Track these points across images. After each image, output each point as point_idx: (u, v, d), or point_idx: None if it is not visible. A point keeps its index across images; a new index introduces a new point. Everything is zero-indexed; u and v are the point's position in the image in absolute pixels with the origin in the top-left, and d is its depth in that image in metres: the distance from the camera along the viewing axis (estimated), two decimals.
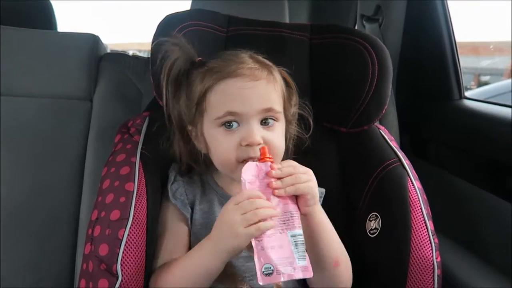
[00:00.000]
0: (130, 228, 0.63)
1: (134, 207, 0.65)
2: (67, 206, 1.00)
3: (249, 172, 0.60)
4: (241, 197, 0.58)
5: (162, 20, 0.81)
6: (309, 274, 0.56)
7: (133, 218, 0.64)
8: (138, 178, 0.68)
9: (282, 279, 0.55)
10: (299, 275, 0.55)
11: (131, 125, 0.79)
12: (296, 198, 0.61)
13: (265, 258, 0.55)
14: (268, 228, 0.56)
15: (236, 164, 0.65)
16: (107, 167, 0.71)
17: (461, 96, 1.06)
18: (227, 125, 0.65)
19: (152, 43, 0.79)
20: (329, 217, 0.76)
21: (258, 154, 0.63)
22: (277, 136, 0.67)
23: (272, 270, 0.55)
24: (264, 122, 0.66)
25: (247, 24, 0.87)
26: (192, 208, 0.71)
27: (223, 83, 0.66)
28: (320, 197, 0.76)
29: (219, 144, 0.66)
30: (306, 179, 0.60)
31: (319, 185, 0.79)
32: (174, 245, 0.69)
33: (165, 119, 0.77)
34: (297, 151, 0.77)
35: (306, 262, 0.57)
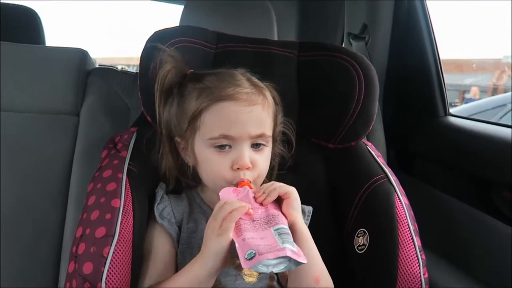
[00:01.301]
0: (116, 245, 0.62)
1: (120, 224, 0.64)
2: (51, 223, 0.98)
3: (227, 196, 0.62)
4: (215, 209, 0.60)
5: (151, 36, 0.81)
6: (297, 256, 0.54)
7: (119, 235, 0.63)
8: (124, 194, 0.67)
9: (266, 258, 0.52)
10: (283, 253, 0.53)
11: (118, 141, 0.79)
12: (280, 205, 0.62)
13: (247, 246, 0.54)
14: (239, 210, 0.58)
15: (226, 184, 0.67)
16: (93, 183, 0.70)
17: (446, 113, 1.08)
18: (220, 146, 0.67)
19: (141, 59, 0.79)
20: (317, 233, 0.76)
21: (248, 177, 0.66)
22: (264, 158, 0.70)
23: (254, 253, 0.53)
24: (254, 145, 0.68)
25: (236, 41, 0.88)
26: (180, 227, 0.70)
27: (219, 105, 0.66)
28: (308, 215, 0.77)
29: (211, 164, 0.68)
30: (288, 187, 0.63)
31: (307, 201, 0.80)
32: (161, 267, 0.67)
33: (153, 135, 0.77)
34: (281, 168, 0.79)
35: (295, 248, 0.55)
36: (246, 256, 0.53)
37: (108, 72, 1.11)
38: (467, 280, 0.85)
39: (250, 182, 0.66)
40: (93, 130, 1.01)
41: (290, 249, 0.54)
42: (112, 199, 0.66)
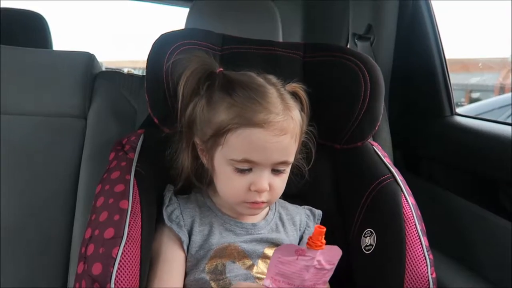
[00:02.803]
0: (124, 246, 0.62)
1: (129, 225, 0.64)
2: (60, 224, 0.98)
3: (286, 254, 0.53)
4: None
5: (157, 39, 0.81)
6: None
7: (127, 237, 0.63)
8: (132, 195, 0.68)
9: None
10: None
11: (126, 143, 0.79)
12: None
13: None
14: None
15: (241, 203, 0.67)
16: (101, 184, 0.71)
17: (452, 113, 1.08)
18: (241, 170, 0.66)
19: (147, 62, 0.80)
20: (325, 236, 0.76)
21: (264, 199, 0.66)
22: (282, 181, 0.69)
23: None
24: (274, 170, 0.67)
25: (241, 42, 0.88)
26: (190, 230, 0.70)
27: (248, 130, 0.64)
28: (318, 219, 0.77)
29: (229, 182, 0.67)
30: None
31: (314, 202, 0.81)
32: (169, 272, 0.67)
33: (160, 137, 0.78)
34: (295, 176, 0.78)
35: None
36: None
37: (114, 75, 1.12)
38: (475, 279, 0.85)
39: (265, 202, 0.66)
40: (101, 132, 1.02)
41: None
42: (121, 201, 0.67)
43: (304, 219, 0.76)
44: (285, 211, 0.78)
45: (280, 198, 0.76)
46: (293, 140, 0.68)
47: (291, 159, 0.69)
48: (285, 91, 0.70)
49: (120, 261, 0.61)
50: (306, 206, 0.79)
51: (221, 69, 0.72)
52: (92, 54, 1.10)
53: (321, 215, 0.77)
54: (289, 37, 1.49)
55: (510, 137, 0.86)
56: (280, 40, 1.14)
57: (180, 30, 0.89)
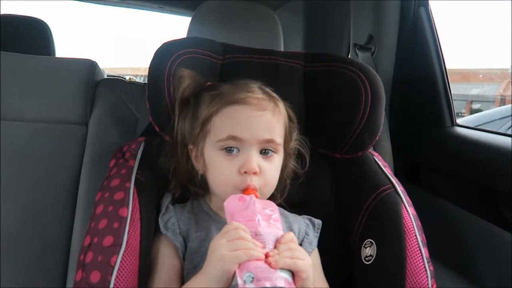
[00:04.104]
0: (123, 254, 0.62)
1: (128, 233, 0.64)
2: (59, 231, 0.98)
3: (233, 204, 0.62)
4: (228, 227, 0.59)
5: (159, 48, 0.82)
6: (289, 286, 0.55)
7: (126, 245, 0.63)
8: (132, 203, 0.68)
9: (262, 285, 0.53)
10: (280, 284, 0.54)
11: (127, 150, 0.79)
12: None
13: (246, 268, 0.55)
14: (255, 257, 0.56)
15: (233, 189, 0.67)
16: (101, 192, 0.71)
17: (453, 123, 1.08)
18: (228, 149, 0.67)
19: (149, 70, 0.81)
20: (324, 244, 0.76)
21: (255, 182, 0.66)
22: (273, 167, 0.70)
23: (253, 277, 0.54)
24: (263, 152, 0.69)
25: (243, 51, 0.89)
26: (186, 237, 0.70)
27: (229, 108, 0.68)
28: (317, 228, 0.77)
29: (218, 168, 0.69)
30: (304, 257, 0.60)
31: (314, 211, 0.80)
32: (165, 279, 0.67)
33: (160, 143, 0.78)
34: (291, 179, 0.79)
35: (290, 278, 0.56)
36: (244, 279, 0.54)
37: (116, 83, 1.12)
38: None
39: (256, 190, 0.66)
40: (102, 139, 1.02)
41: (285, 279, 0.55)
42: (120, 208, 0.67)
43: (303, 227, 0.76)
44: (284, 218, 0.77)
45: (280, 206, 0.76)
46: (275, 119, 0.70)
47: (278, 139, 0.70)
48: (267, 88, 0.74)
49: (119, 269, 0.61)
50: (305, 216, 0.79)
51: (209, 83, 0.76)
52: (94, 62, 1.11)
53: (320, 225, 0.77)
54: (290, 47, 1.50)
55: (511, 149, 0.86)
56: (282, 49, 1.14)
57: (182, 38, 0.89)
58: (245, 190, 0.66)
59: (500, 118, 1.79)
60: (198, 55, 0.84)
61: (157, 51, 0.82)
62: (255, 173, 0.66)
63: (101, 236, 0.64)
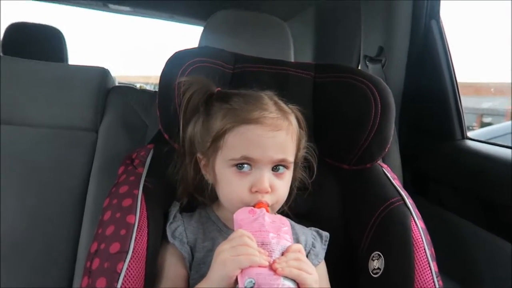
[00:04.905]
0: (130, 261, 0.62)
1: (135, 240, 0.64)
2: (67, 237, 0.99)
3: (243, 215, 0.62)
4: (233, 234, 0.60)
5: (171, 56, 0.83)
6: None
7: (133, 251, 0.63)
8: (139, 210, 0.68)
9: None
10: None
11: (135, 157, 0.80)
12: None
13: (247, 273, 0.55)
14: (258, 263, 0.56)
15: (244, 206, 0.66)
16: (109, 198, 0.71)
17: (464, 137, 1.07)
18: (239, 165, 0.67)
19: (160, 78, 0.81)
20: (332, 256, 0.75)
21: (265, 199, 0.66)
22: (284, 184, 0.70)
23: (254, 283, 0.53)
24: (275, 168, 0.68)
25: (253, 61, 0.89)
26: (193, 247, 0.70)
27: (244, 128, 0.67)
28: (325, 241, 0.76)
29: (230, 185, 0.68)
30: (312, 271, 0.60)
31: (323, 224, 0.80)
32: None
33: (169, 151, 0.79)
34: (299, 189, 0.78)
35: (294, 286, 0.56)
36: (245, 284, 0.54)
37: (127, 90, 1.14)
38: None
39: (268, 205, 0.66)
40: (111, 146, 1.03)
41: (289, 286, 0.55)
42: (128, 215, 0.67)
43: (310, 239, 0.75)
44: (291, 230, 0.77)
45: (286, 217, 0.75)
46: (289, 138, 0.69)
47: (290, 158, 0.69)
48: (280, 101, 0.73)
49: (125, 276, 0.61)
50: (313, 228, 0.78)
51: (219, 88, 0.75)
52: (107, 69, 1.12)
53: (328, 237, 0.77)
54: (300, 57, 1.51)
55: None
56: (292, 60, 1.15)
57: (194, 48, 0.90)
58: (256, 204, 0.65)
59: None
60: (209, 64, 0.85)
61: (169, 59, 0.83)
62: (266, 192, 0.66)
63: (108, 243, 0.64)
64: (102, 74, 1.10)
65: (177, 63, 0.81)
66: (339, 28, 1.45)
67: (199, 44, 1.13)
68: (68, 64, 1.63)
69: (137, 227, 0.66)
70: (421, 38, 1.11)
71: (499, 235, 0.86)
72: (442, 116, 1.08)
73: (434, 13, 1.10)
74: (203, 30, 1.15)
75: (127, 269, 0.61)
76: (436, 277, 0.69)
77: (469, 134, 1.10)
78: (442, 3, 1.11)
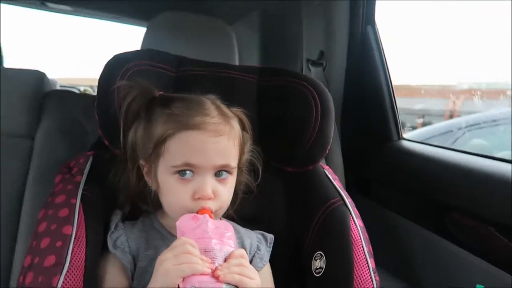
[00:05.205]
0: (66, 274, 0.60)
1: (72, 252, 0.62)
2: (1, 252, 0.92)
3: (185, 222, 0.62)
4: (175, 242, 0.59)
5: (110, 60, 0.80)
6: None
7: (69, 264, 0.61)
8: (77, 221, 0.65)
9: None
10: None
11: (74, 165, 0.77)
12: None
13: (189, 281, 0.55)
14: (200, 271, 0.56)
15: (187, 213, 0.66)
16: (44, 209, 0.68)
17: (400, 137, 1.13)
18: (181, 172, 0.66)
19: (99, 82, 0.79)
20: (277, 258, 0.76)
21: (209, 205, 0.66)
22: (228, 189, 0.70)
23: None
24: (217, 174, 0.68)
25: (197, 65, 0.89)
26: (136, 256, 0.68)
27: (185, 134, 0.66)
28: (270, 243, 0.77)
29: (173, 192, 0.67)
30: (254, 277, 0.60)
31: (269, 226, 0.81)
32: None
33: (110, 158, 0.76)
34: (244, 193, 0.79)
35: None
36: None
37: (66, 95, 1.09)
38: None
39: (211, 211, 0.66)
40: (48, 154, 0.98)
41: None
42: (64, 226, 0.64)
43: (255, 242, 0.76)
44: (236, 234, 0.77)
45: (233, 221, 0.76)
46: (231, 143, 0.69)
47: (233, 163, 0.69)
48: (223, 105, 0.73)
49: None
50: (258, 231, 0.79)
51: (161, 92, 0.74)
52: (42, 72, 1.07)
53: (273, 239, 0.78)
54: (246, 61, 1.52)
55: (453, 162, 0.91)
56: (236, 63, 1.15)
57: (135, 50, 0.88)
58: (200, 211, 0.65)
59: (445, 133, 1.90)
60: (151, 67, 0.83)
61: (107, 62, 0.80)
62: (209, 198, 0.66)
63: (42, 256, 0.61)
64: (38, 77, 1.05)
65: (116, 66, 0.79)
66: (283, 32, 1.48)
67: (142, 46, 1.11)
68: (2, 67, 1.53)
69: (75, 238, 0.63)
70: (358, 42, 1.16)
71: (434, 231, 0.91)
72: (380, 117, 1.13)
73: (370, 19, 1.15)
74: (146, 32, 1.12)
75: (63, 282, 0.59)
76: (374, 273, 0.72)
77: (410, 134, 1.16)
78: (377, 9, 1.17)
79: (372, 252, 0.75)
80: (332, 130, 0.85)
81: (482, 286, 0.62)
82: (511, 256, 0.73)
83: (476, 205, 0.81)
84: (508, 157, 0.86)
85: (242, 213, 0.79)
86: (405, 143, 1.10)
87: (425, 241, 0.92)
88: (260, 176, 0.80)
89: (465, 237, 0.85)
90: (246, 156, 0.77)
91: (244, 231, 0.77)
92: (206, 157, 0.66)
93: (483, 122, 1.75)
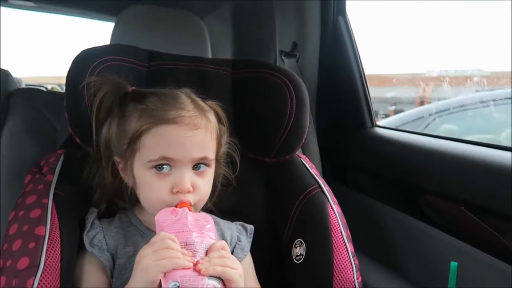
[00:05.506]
0: (41, 276, 0.58)
1: (46, 252, 0.60)
2: None
3: (164, 217, 0.61)
4: (155, 238, 0.58)
5: (78, 55, 0.78)
6: None
7: (44, 265, 0.59)
8: (50, 221, 0.64)
9: None
10: None
11: (44, 164, 0.74)
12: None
13: (172, 277, 0.54)
14: (182, 265, 0.55)
15: (166, 207, 0.65)
16: (14, 211, 0.66)
17: (373, 124, 1.15)
18: (158, 167, 0.65)
19: (67, 78, 0.77)
20: (258, 249, 0.77)
21: (187, 198, 0.65)
22: (206, 182, 0.69)
23: (178, 286, 0.53)
24: (195, 167, 0.67)
25: (169, 59, 0.87)
26: (114, 254, 0.67)
27: (160, 128, 0.65)
28: (250, 233, 0.78)
29: (150, 187, 0.66)
30: (236, 266, 0.60)
31: (248, 217, 0.81)
32: None
33: (82, 156, 0.75)
34: (223, 185, 0.79)
35: (220, 285, 0.56)
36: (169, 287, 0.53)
37: (33, 93, 1.05)
38: (399, 280, 0.90)
39: (191, 204, 0.65)
40: (16, 154, 0.94)
41: (214, 286, 0.56)
42: (37, 227, 0.62)
43: (235, 234, 0.76)
44: (216, 226, 0.77)
45: (213, 214, 0.75)
46: (208, 136, 0.68)
47: (211, 156, 0.69)
48: (198, 99, 0.72)
49: None
50: (238, 222, 0.79)
51: (134, 88, 0.73)
52: (6, 70, 1.02)
53: (253, 230, 0.78)
54: (220, 54, 1.51)
55: (424, 146, 0.94)
56: (209, 56, 1.14)
57: (103, 46, 0.86)
58: (179, 204, 0.64)
59: (416, 119, 1.95)
60: (121, 62, 0.81)
61: (75, 58, 0.78)
62: (188, 191, 0.65)
63: (15, 258, 0.59)
64: (2, 75, 1.00)
65: (85, 62, 0.77)
66: (255, 24, 1.48)
67: (111, 41, 1.08)
68: None
69: (48, 239, 0.62)
70: (330, 33, 1.18)
71: (409, 213, 0.94)
72: (354, 106, 1.15)
73: (341, 10, 1.17)
74: (115, 26, 1.09)
75: (38, 284, 0.58)
76: (353, 257, 0.74)
77: (383, 121, 1.19)
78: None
79: (350, 236, 0.76)
80: (308, 120, 0.86)
81: (456, 263, 0.64)
82: (481, 233, 0.76)
83: (448, 186, 0.84)
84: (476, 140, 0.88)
85: (221, 205, 0.79)
86: (378, 130, 1.12)
87: (401, 223, 0.94)
88: (238, 168, 0.80)
89: (438, 217, 0.88)
90: (224, 148, 0.76)
91: (224, 223, 0.77)
92: (183, 151, 0.65)
93: (452, 108, 1.80)
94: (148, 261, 0.56)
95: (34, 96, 1.02)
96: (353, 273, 0.72)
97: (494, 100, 1.52)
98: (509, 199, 0.70)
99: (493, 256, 0.73)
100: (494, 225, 0.74)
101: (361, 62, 1.14)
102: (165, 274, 0.55)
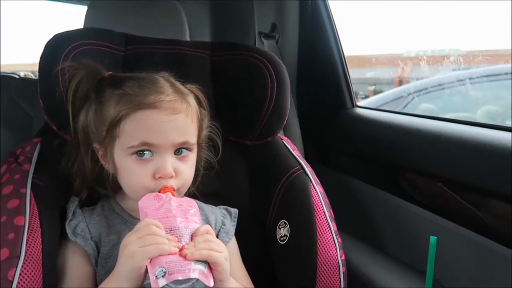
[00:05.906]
0: (23, 267, 0.58)
1: (26, 243, 0.59)
2: None
3: (148, 202, 0.61)
4: (139, 224, 0.58)
5: (50, 40, 0.76)
6: (207, 281, 0.56)
7: (25, 256, 0.58)
8: (29, 210, 0.63)
9: (175, 279, 0.53)
10: (194, 275, 0.54)
11: (20, 153, 0.72)
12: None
13: (158, 263, 0.54)
14: (167, 251, 0.55)
15: (148, 193, 0.64)
16: None
17: (353, 105, 1.16)
18: (140, 153, 0.64)
19: (40, 64, 0.74)
20: (242, 232, 0.77)
21: (170, 183, 0.64)
22: (189, 166, 0.68)
23: (165, 272, 0.53)
24: (177, 152, 0.66)
25: (146, 42, 0.86)
26: (98, 242, 0.66)
27: (140, 113, 0.64)
28: (234, 217, 0.78)
29: (132, 174, 0.65)
30: (221, 249, 0.60)
31: (232, 201, 0.81)
32: (78, 287, 0.63)
33: (60, 144, 0.73)
34: (205, 169, 0.78)
35: (206, 270, 0.57)
36: (156, 274, 0.53)
37: (6, 80, 1.02)
38: (381, 257, 0.92)
39: (174, 189, 0.65)
40: None
41: (200, 270, 0.55)
42: (15, 217, 0.61)
43: (219, 218, 0.77)
44: (200, 211, 0.77)
45: (196, 198, 0.75)
46: (189, 120, 0.68)
47: (192, 140, 0.68)
48: (177, 83, 0.71)
49: (18, 283, 0.57)
50: (222, 206, 0.79)
51: (110, 72, 0.71)
52: None
53: (237, 213, 0.78)
54: (198, 37, 1.47)
55: (402, 125, 0.95)
56: (188, 39, 1.12)
57: (77, 29, 0.83)
58: (162, 189, 0.64)
59: (396, 98, 1.98)
60: (96, 46, 0.79)
61: (47, 43, 0.76)
62: (171, 177, 0.65)
63: None
64: None
65: (58, 46, 0.75)
66: (234, 6, 1.45)
67: (84, 25, 1.05)
68: None
69: (28, 229, 0.61)
70: (310, 14, 1.17)
71: (390, 191, 0.96)
72: (334, 87, 1.15)
73: None
74: (88, 10, 1.06)
75: (20, 275, 0.57)
76: (336, 235, 0.75)
77: (363, 102, 1.20)
78: None
79: (333, 216, 0.78)
80: (289, 101, 0.86)
81: (435, 237, 0.66)
82: (459, 208, 0.78)
83: (427, 164, 0.85)
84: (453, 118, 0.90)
85: (203, 189, 0.79)
86: (359, 110, 1.13)
87: (382, 201, 0.96)
88: (220, 152, 0.79)
89: (418, 195, 0.90)
90: (205, 132, 0.76)
91: (207, 207, 0.77)
92: (164, 136, 0.64)
93: (430, 87, 1.84)
94: (133, 248, 0.55)
95: (6, 84, 0.99)
96: (336, 251, 0.73)
97: (470, 78, 1.55)
98: (485, 175, 0.72)
99: (470, 230, 0.75)
100: (471, 200, 0.76)
101: (340, 44, 1.14)
102: (151, 260, 0.55)
